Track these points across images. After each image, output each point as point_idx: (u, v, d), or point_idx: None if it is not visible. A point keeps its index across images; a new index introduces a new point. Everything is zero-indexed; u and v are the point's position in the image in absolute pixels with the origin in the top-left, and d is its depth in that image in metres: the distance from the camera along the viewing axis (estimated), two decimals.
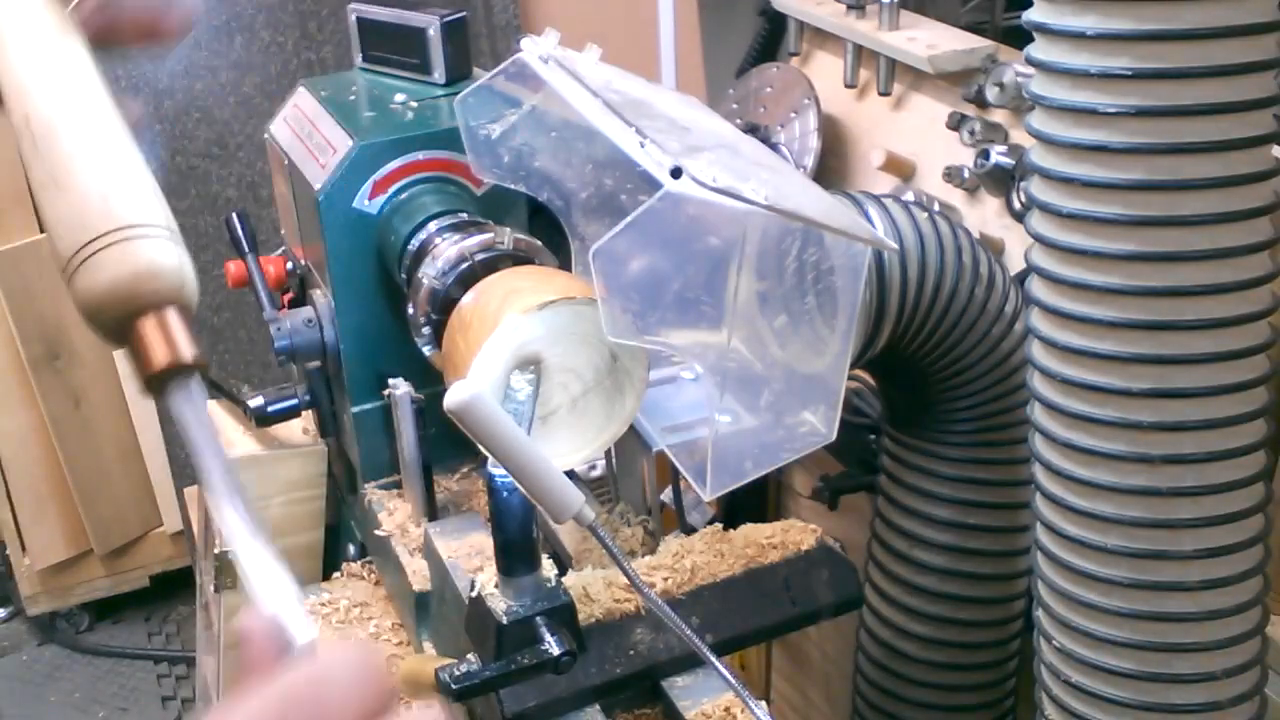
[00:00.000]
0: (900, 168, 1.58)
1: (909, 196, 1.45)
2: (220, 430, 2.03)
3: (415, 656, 1.26)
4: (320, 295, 1.41)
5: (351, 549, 1.53)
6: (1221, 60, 0.82)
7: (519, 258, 1.21)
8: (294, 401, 1.46)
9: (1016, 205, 1.39)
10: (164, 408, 0.55)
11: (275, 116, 1.53)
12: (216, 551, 1.49)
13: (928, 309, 1.12)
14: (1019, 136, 1.42)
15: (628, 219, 0.89)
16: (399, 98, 1.44)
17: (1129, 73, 0.82)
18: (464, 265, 1.19)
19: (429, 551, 1.23)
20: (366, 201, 1.34)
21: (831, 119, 1.70)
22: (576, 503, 0.58)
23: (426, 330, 1.20)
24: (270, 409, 1.45)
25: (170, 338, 0.55)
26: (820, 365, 1.03)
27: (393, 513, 1.38)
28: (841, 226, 0.95)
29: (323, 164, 1.35)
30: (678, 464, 1.09)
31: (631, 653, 1.10)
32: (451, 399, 0.74)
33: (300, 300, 1.48)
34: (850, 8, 1.65)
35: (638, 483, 1.32)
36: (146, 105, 2.45)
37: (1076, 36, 0.84)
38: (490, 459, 0.83)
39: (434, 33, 1.44)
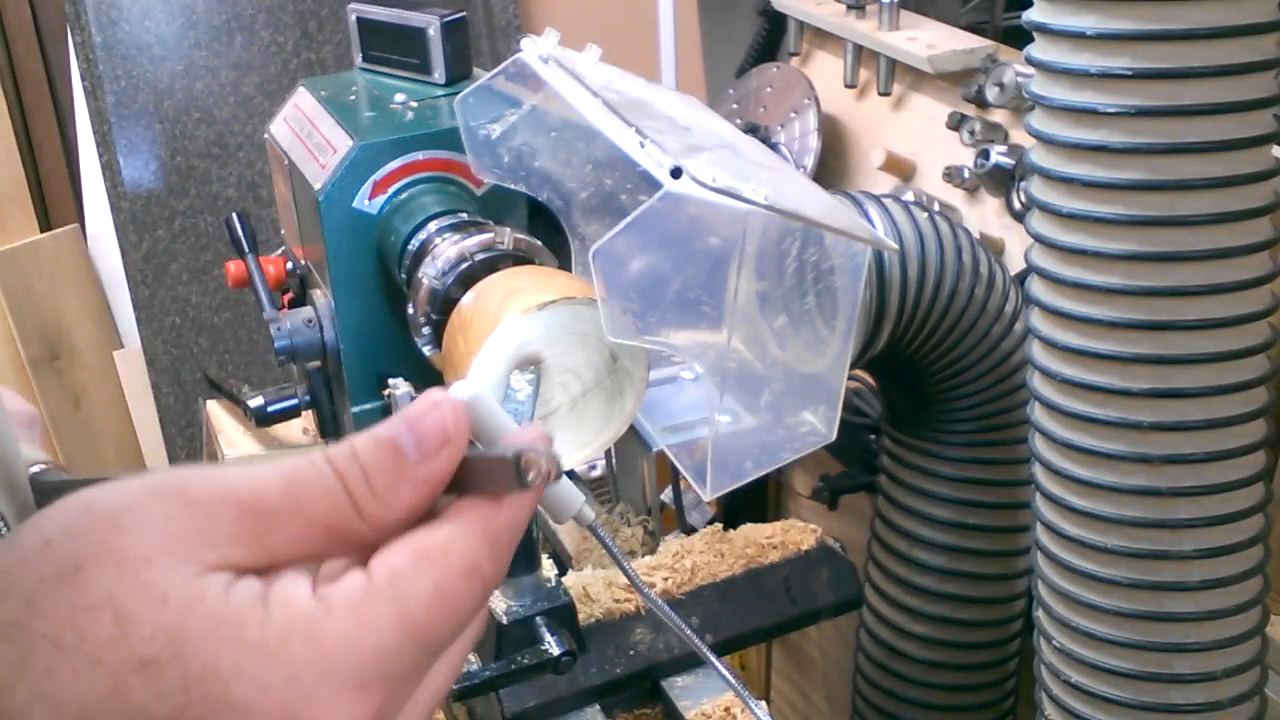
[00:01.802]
0: (900, 168, 1.58)
1: (909, 196, 1.45)
2: (220, 430, 2.03)
3: None
4: (320, 295, 1.41)
5: None
6: (1221, 60, 0.82)
7: (519, 258, 1.21)
8: (294, 401, 1.46)
9: (1016, 205, 1.39)
10: None
11: (275, 116, 1.53)
12: None
13: (928, 309, 1.12)
14: (1019, 136, 1.42)
15: (628, 219, 0.89)
16: (399, 98, 1.44)
17: (1129, 73, 0.82)
18: (464, 265, 1.19)
19: None
20: (366, 201, 1.34)
21: (831, 119, 1.70)
22: (576, 503, 0.58)
23: (426, 330, 1.20)
24: (270, 409, 1.45)
25: None
26: (820, 365, 1.03)
27: None
28: (841, 226, 0.95)
29: (323, 164, 1.35)
30: (678, 464, 1.09)
31: (631, 653, 1.10)
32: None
33: (300, 300, 1.48)
34: (850, 8, 1.65)
35: (638, 483, 1.32)
36: (146, 105, 2.45)
37: (1076, 36, 0.84)
38: None
39: (434, 33, 1.44)
